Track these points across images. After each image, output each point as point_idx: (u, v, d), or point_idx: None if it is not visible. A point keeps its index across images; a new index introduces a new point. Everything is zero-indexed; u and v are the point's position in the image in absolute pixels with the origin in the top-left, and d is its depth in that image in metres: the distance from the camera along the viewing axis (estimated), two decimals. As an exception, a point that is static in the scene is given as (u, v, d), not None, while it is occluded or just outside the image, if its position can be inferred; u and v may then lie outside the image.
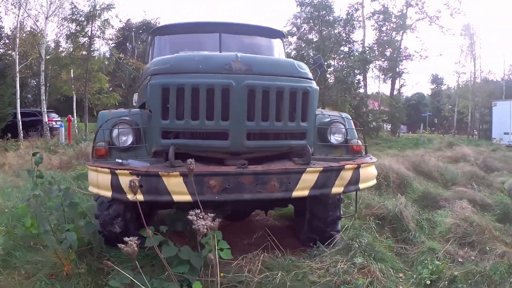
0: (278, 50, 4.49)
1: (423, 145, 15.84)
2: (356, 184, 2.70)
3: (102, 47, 15.87)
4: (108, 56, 15.91)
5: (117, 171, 2.39)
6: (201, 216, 1.84)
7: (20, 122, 14.79)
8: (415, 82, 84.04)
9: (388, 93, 28.84)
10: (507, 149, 13.55)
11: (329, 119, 3.10)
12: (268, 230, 3.18)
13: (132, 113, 2.98)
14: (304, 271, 2.66)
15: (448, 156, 9.80)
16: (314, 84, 2.80)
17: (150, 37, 4.44)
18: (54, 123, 16.70)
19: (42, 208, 2.73)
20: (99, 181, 2.49)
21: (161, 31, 4.33)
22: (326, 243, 3.15)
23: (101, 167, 2.48)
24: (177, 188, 2.35)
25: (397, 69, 26.30)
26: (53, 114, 17.69)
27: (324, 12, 20.56)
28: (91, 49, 15.44)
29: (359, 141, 3.09)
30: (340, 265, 2.73)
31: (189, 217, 1.85)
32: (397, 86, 27.74)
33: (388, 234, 3.81)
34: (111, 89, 17.61)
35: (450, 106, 37.61)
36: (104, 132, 2.74)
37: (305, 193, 2.54)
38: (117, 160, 2.58)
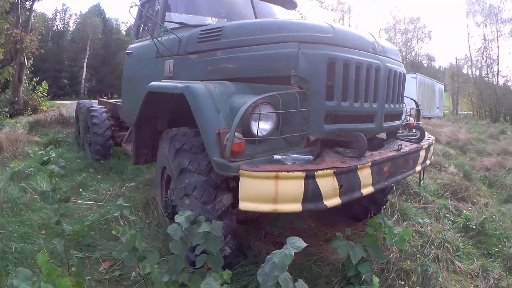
0: None
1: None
2: (431, 157, 3.23)
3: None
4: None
5: (317, 173, 1.81)
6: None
7: None
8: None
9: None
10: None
11: None
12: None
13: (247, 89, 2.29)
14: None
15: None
16: None
17: None
18: None
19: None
20: (281, 192, 1.76)
21: None
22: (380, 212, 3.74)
23: (287, 171, 1.77)
24: (366, 180, 2.06)
25: None
26: None
27: None
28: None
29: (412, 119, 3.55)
30: (416, 227, 3.44)
31: None
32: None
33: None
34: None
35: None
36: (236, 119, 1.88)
37: (419, 168, 2.73)
38: (275, 157, 1.94)
